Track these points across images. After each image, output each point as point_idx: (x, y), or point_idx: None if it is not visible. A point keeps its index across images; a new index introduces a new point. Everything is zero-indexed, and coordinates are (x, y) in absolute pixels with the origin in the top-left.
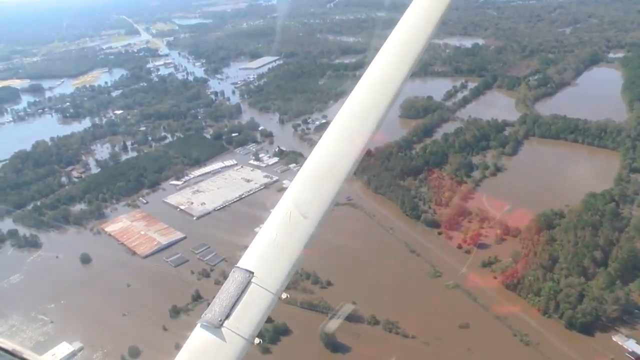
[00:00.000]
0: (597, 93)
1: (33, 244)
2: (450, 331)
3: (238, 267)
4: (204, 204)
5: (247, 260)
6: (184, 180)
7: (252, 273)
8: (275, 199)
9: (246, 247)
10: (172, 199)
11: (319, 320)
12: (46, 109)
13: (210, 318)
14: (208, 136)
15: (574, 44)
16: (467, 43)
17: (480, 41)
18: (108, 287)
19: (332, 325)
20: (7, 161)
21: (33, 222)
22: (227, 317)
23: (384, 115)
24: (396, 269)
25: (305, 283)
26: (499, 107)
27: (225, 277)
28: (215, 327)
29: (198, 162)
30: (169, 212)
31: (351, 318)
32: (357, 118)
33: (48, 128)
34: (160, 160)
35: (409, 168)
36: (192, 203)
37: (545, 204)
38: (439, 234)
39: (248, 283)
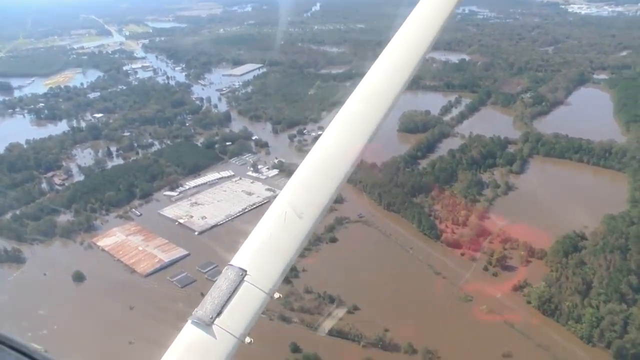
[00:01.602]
0: (589, 113)
1: (15, 258)
2: None
3: (231, 265)
4: (205, 217)
5: (241, 258)
6: (178, 191)
7: (245, 271)
8: None
9: None
10: (169, 211)
11: (351, 349)
12: (17, 109)
13: (201, 315)
14: (199, 144)
15: (559, 63)
16: (453, 58)
17: (465, 57)
18: (108, 310)
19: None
20: None
21: (13, 233)
22: (219, 314)
23: (382, 120)
24: (424, 292)
25: (330, 307)
26: (496, 124)
27: None
28: (206, 325)
29: (192, 172)
30: (167, 226)
31: (387, 347)
32: (355, 121)
33: (21, 130)
34: (150, 168)
35: (419, 185)
36: (191, 217)
37: (563, 225)
38: (462, 254)
39: (241, 281)
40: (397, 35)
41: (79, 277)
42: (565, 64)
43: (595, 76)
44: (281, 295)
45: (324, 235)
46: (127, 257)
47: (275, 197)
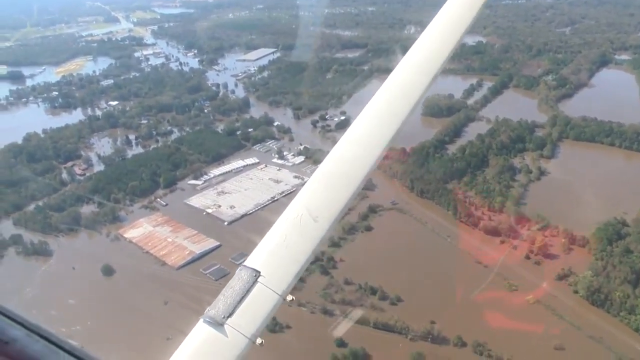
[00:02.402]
0: (615, 95)
1: (42, 251)
2: (547, 354)
3: (245, 266)
4: (234, 207)
5: (255, 259)
6: (203, 179)
7: (259, 272)
8: None
9: None
10: (196, 201)
11: (398, 342)
12: (31, 98)
13: (213, 314)
14: (220, 131)
15: (579, 44)
16: (469, 40)
17: (481, 39)
18: (141, 304)
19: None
20: None
21: (38, 225)
22: (231, 314)
23: (404, 122)
24: (467, 282)
25: (372, 299)
26: (520, 107)
27: None
28: (218, 324)
29: (215, 160)
30: (195, 216)
31: (435, 340)
32: (376, 124)
33: (36, 119)
34: (173, 157)
35: (451, 171)
36: (219, 206)
37: (601, 212)
38: (502, 242)
39: (254, 282)
40: (421, 39)
41: (108, 271)
42: (585, 45)
43: (617, 57)
44: (294, 298)
45: (358, 224)
46: (156, 249)
47: (303, 184)
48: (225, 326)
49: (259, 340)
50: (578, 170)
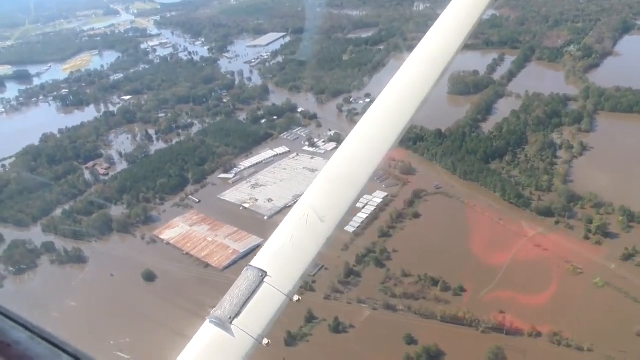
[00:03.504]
0: None
1: (77, 258)
2: (629, 341)
3: (251, 266)
4: (272, 200)
5: (261, 260)
6: (234, 172)
7: (266, 272)
8: None
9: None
10: (230, 195)
11: (470, 336)
12: (41, 98)
13: (220, 315)
14: (243, 121)
15: (597, 12)
16: None
17: (495, 12)
18: (191, 311)
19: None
20: (15, 158)
21: (68, 231)
22: (237, 315)
23: (411, 121)
24: (529, 267)
25: (434, 291)
26: (547, 80)
27: (334, 288)
28: (225, 325)
29: (243, 151)
30: (231, 212)
31: (508, 331)
32: (383, 123)
33: (49, 119)
34: (199, 150)
35: (491, 150)
36: (256, 200)
37: None
38: (557, 223)
39: (260, 282)
40: (420, 46)
41: (149, 276)
42: (603, 12)
43: (639, 23)
44: (300, 298)
45: (405, 211)
46: (196, 250)
47: None
48: (232, 327)
49: (265, 341)
50: (621, 143)
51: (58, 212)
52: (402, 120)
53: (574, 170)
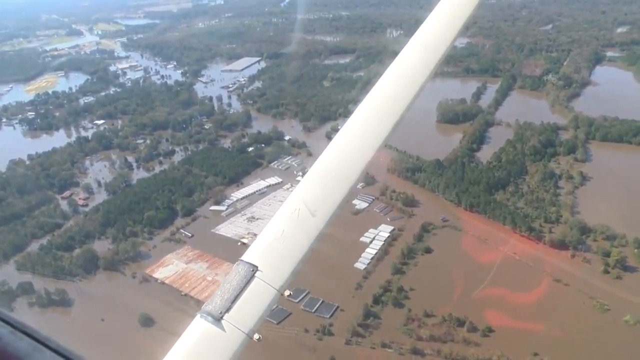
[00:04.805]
0: (621, 92)
1: (60, 301)
2: None
3: (242, 260)
4: None
5: (252, 254)
6: (226, 205)
7: (257, 267)
8: (356, 224)
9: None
10: (226, 229)
11: None
12: (4, 120)
13: (210, 310)
14: (228, 149)
15: (567, 42)
16: (456, 42)
17: (468, 40)
18: None
19: None
20: None
21: (48, 269)
22: (228, 310)
23: (402, 116)
24: (554, 304)
25: (461, 332)
26: (532, 108)
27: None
28: (215, 320)
29: (233, 182)
30: (229, 248)
31: None
32: (373, 119)
33: (16, 143)
34: (185, 180)
35: (493, 181)
36: (254, 234)
37: None
38: (572, 256)
39: (251, 277)
40: (415, 37)
41: (146, 321)
42: (573, 43)
43: (607, 54)
44: (291, 293)
45: (415, 246)
46: (196, 291)
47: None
48: (223, 321)
49: (256, 336)
50: (619, 173)
51: (34, 247)
52: (393, 115)
53: (579, 201)
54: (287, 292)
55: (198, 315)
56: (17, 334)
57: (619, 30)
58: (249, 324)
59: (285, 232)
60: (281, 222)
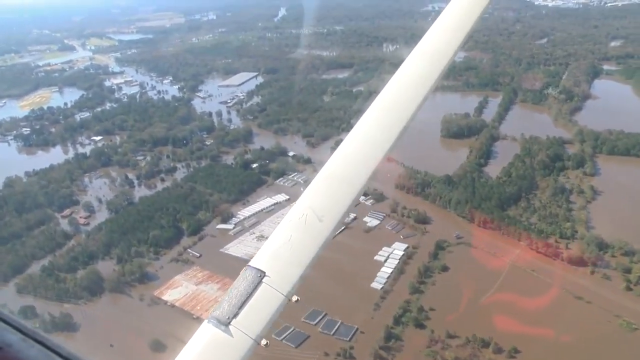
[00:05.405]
0: (622, 105)
1: (65, 325)
2: None
3: (250, 266)
4: None
5: (260, 260)
6: (233, 223)
7: (264, 273)
8: (368, 242)
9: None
10: (235, 249)
11: None
12: None
13: (218, 315)
14: (232, 165)
15: (564, 56)
16: None
17: (465, 54)
18: None
19: None
20: None
21: (51, 292)
22: (236, 315)
23: (409, 123)
24: (577, 323)
25: (487, 353)
26: (535, 122)
27: (377, 354)
28: (223, 325)
29: (238, 199)
30: (239, 268)
31: None
32: (378, 126)
33: (12, 160)
34: (189, 198)
35: (505, 196)
36: None
37: None
38: (592, 273)
39: (259, 283)
40: (418, 47)
41: (158, 347)
42: (570, 57)
43: (604, 67)
44: (299, 298)
45: (431, 264)
46: (208, 314)
47: (350, 222)
48: (230, 327)
49: (264, 342)
50: (630, 187)
51: (35, 268)
52: (398, 123)
53: (592, 216)
54: (294, 298)
55: (205, 321)
56: (28, 342)
57: (613, 44)
58: (256, 329)
59: (292, 237)
60: (289, 228)
